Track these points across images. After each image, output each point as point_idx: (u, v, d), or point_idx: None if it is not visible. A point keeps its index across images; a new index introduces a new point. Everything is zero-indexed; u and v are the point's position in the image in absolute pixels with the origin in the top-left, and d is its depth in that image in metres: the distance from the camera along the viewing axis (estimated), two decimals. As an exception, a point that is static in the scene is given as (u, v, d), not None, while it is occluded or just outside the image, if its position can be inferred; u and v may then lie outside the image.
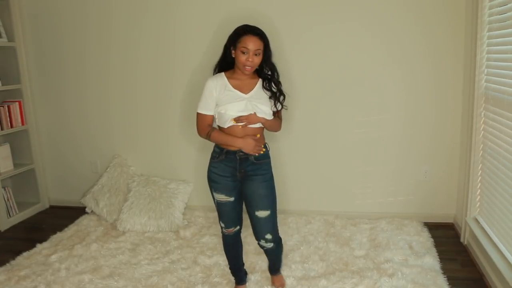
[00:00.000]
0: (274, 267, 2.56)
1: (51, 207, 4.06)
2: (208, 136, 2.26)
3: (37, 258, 3.00)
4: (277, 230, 2.36)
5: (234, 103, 2.17)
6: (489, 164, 2.75)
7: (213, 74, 2.29)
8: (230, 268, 2.55)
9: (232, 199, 2.29)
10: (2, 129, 3.59)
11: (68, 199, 4.00)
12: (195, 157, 3.67)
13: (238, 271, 2.53)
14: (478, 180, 2.94)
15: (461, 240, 3.10)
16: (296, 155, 3.48)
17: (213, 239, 3.16)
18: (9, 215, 3.67)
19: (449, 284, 2.53)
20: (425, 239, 3.07)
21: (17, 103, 3.72)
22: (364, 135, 3.40)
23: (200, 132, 2.31)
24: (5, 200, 3.64)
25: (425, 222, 3.35)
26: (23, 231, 3.60)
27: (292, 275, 2.64)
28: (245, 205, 2.33)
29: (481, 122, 2.87)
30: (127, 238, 3.25)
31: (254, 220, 2.29)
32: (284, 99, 2.31)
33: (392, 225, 3.30)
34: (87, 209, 3.75)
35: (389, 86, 3.30)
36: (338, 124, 3.41)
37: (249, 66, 2.15)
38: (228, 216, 2.35)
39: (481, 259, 2.72)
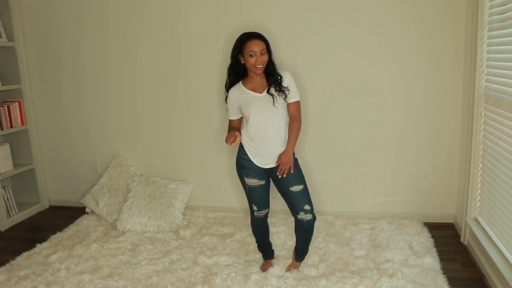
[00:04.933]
0: (303, 250, 2.69)
1: (51, 207, 4.06)
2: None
3: (37, 258, 3.00)
4: (313, 205, 2.54)
5: (254, 103, 2.43)
6: (489, 164, 2.75)
7: (226, 85, 2.54)
8: (258, 246, 2.81)
9: (263, 182, 2.54)
10: (2, 129, 3.59)
11: (68, 199, 4.00)
12: (195, 157, 3.67)
13: (266, 248, 2.80)
14: (478, 180, 2.94)
15: (461, 240, 3.10)
16: (296, 155, 3.47)
17: (213, 239, 3.16)
18: (9, 215, 3.66)
19: (449, 284, 2.53)
20: (425, 239, 3.07)
21: (16, 103, 3.72)
22: (365, 135, 3.40)
23: None
24: (5, 200, 3.64)
25: (425, 222, 3.35)
26: (23, 231, 3.60)
27: (292, 275, 2.64)
28: (278, 186, 2.55)
29: (481, 122, 2.86)
30: (127, 238, 3.25)
31: (290, 196, 2.51)
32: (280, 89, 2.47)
33: (392, 225, 3.29)
34: (87, 209, 3.75)
35: (389, 86, 3.30)
36: (339, 124, 3.41)
37: (259, 65, 2.39)
38: (260, 199, 2.58)
39: (481, 259, 2.72)
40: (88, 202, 3.71)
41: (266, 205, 2.63)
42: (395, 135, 3.36)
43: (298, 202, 2.50)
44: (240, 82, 2.52)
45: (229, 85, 2.53)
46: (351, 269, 2.69)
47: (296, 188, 2.48)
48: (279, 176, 2.44)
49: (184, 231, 3.32)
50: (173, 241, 3.18)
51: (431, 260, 2.75)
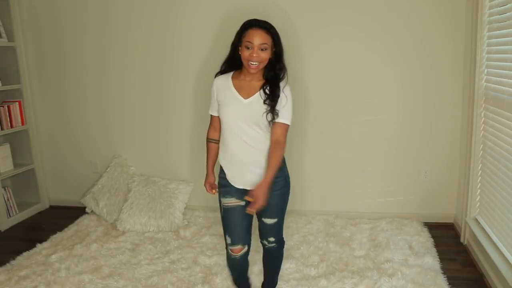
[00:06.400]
0: (270, 283, 2.38)
1: (51, 207, 4.06)
2: (207, 143, 2.25)
3: (37, 258, 3.00)
4: (282, 233, 2.25)
5: (231, 106, 1.99)
6: (489, 164, 2.75)
7: (219, 73, 2.12)
8: (232, 280, 2.39)
9: (243, 203, 2.05)
10: (2, 129, 3.59)
11: (68, 199, 4.00)
12: (195, 157, 3.67)
13: (242, 285, 2.37)
14: (478, 180, 2.94)
15: (461, 240, 3.10)
16: (296, 155, 3.48)
17: (213, 239, 3.16)
18: (9, 215, 3.66)
19: (449, 284, 2.53)
20: (425, 239, 3.07)
21: (17, 103, 3.71)
22: (365, 135, 3.40)
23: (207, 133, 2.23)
24: (5, 200, 3.64)
25: (425, 222, 3.35)
26: (23, 231, 3.60)
27: (292, 276, 2.64)
28: None
29: (481, 122, 2.87)
30: (127, 238, 3.25)
31: (260, 224, 2.19)
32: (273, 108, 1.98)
33: (392, 225, 3.30)
34: (87, 209, 3.75)
35: (390, 86, 3.30)
36: (339, 124, 3.41)
37: (254, 62, 1.91)
38: (236, 226, 2.09)
39: (481, 259, 2.73)
40: (88, 202, 3.71)
41: (244, 239, 2.11)
42: (395, 135, 3.37)
43: (266, 232, 2.19)
44: (232, 73, 2.07)
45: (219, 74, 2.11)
46: (351, 269, 2.70)
47: (269, 221, 2.12)
48: (247, 212, 1.97)
49: (184, 231, 3.32)
50: (173, 241, 3.18)
51: (431, 260, 2.76)
